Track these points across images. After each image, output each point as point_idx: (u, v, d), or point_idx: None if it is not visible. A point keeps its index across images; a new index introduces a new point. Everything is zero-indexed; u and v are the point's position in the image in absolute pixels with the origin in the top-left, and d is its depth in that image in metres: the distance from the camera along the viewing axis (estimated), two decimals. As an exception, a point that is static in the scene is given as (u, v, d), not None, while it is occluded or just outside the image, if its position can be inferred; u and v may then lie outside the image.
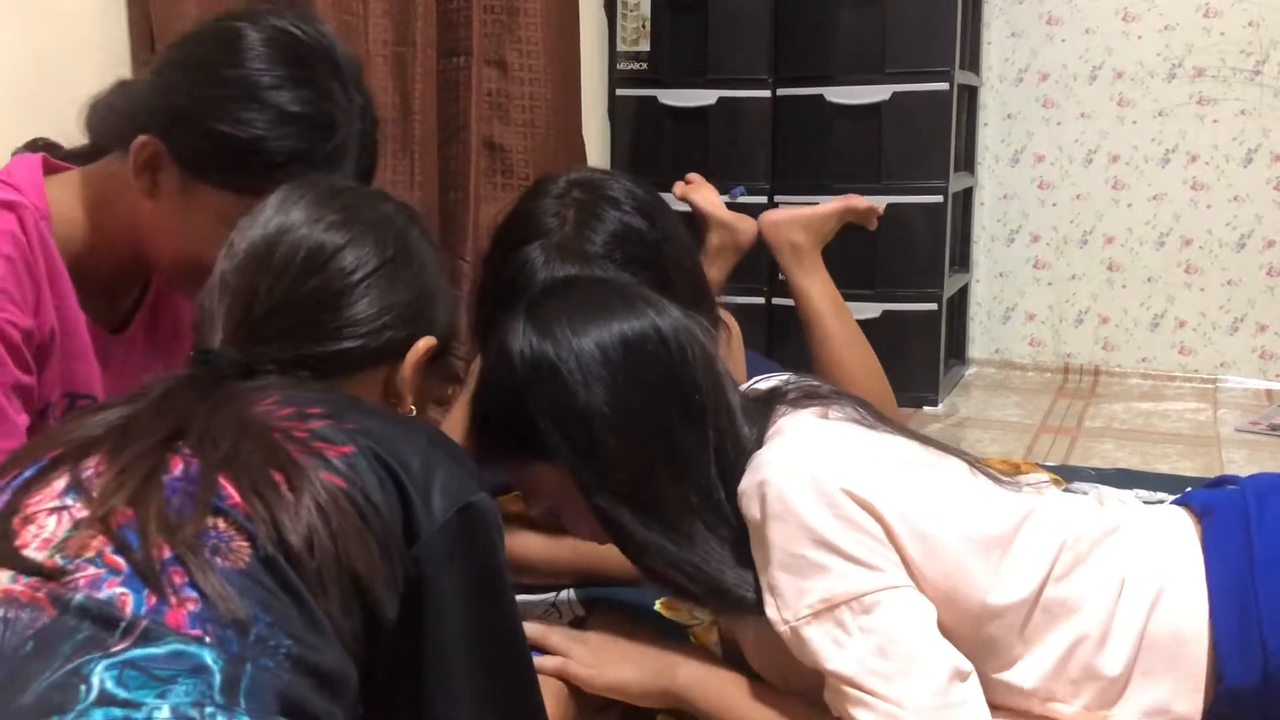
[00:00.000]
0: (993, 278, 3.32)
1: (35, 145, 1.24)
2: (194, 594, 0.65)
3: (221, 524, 0.69)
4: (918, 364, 2.96)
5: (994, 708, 1.06)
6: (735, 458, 1.05)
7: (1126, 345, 3.22)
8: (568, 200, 1.31)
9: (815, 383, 1.16)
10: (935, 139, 2.87)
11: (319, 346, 0.92)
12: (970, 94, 3.18)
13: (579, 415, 1.02)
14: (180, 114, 1.10)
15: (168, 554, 0.66)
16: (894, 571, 1.00)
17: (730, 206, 2.11)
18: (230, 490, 0.71)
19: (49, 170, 1.17)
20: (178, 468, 0.72)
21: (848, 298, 2.92)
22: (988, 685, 1.05)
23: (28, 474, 0.73)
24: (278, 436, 0.77)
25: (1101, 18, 3.11)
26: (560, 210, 1.30)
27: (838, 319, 1.98)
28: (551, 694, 1.08)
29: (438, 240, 1.56)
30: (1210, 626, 1.03)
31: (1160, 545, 1.08)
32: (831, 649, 0.98)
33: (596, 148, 3.03)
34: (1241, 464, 2.42)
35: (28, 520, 0.70)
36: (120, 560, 0.66)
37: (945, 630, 1.02)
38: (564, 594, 1.36)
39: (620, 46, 3.07)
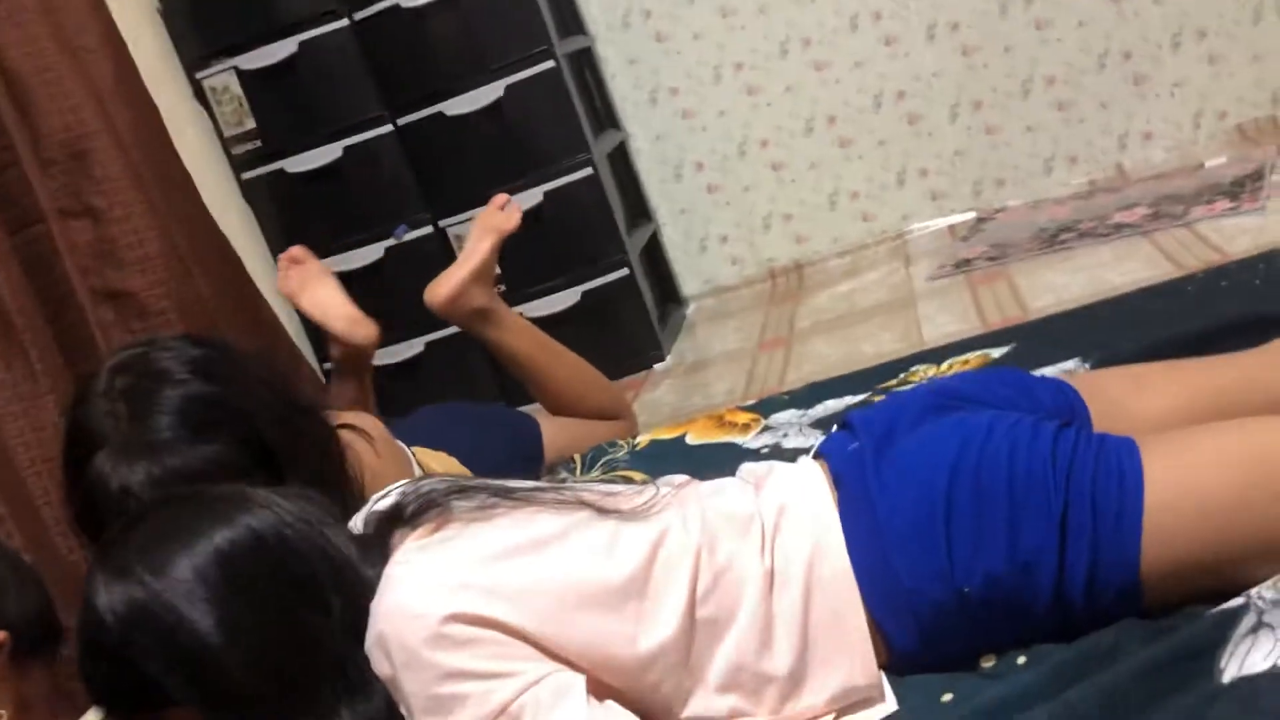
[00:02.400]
0: (676, 216, 3.37)
1: None
2: None
3: None
4: (634, 327, 2.99)
5: (692, 738, 1.08)
6: (363, 612, 1.02)
7: (815, 232, 3.33)
8: (113, 394, 1.23)
9: (431, 484, 1.14)
10: (564, 115, 2.87)
11: None
12: (585, 55, 3.19)
13: (190, 653, 0.97)
14: None
15: None
16: (528, 667, 0.99)
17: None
18: None
19: None
20: None
21: (542, 293, 2.97)
22: (678, 724, 1.06)
23: None
24: None
25: (677, -60, 3.16)
26: (110, 408, 1.22)
27: (549, 355, 1.98)
28: None
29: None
30: (863, 599, 1.06)
31: (800, 526, 1.10)
32: None
33: (245, 235, 2.91)
34: (936, 316, 2.54)
35: None
36: None
37: (613, 690, 1.02)
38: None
39: (228, 132, 2.94)
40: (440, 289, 1.89)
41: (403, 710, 1.00)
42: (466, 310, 1.91)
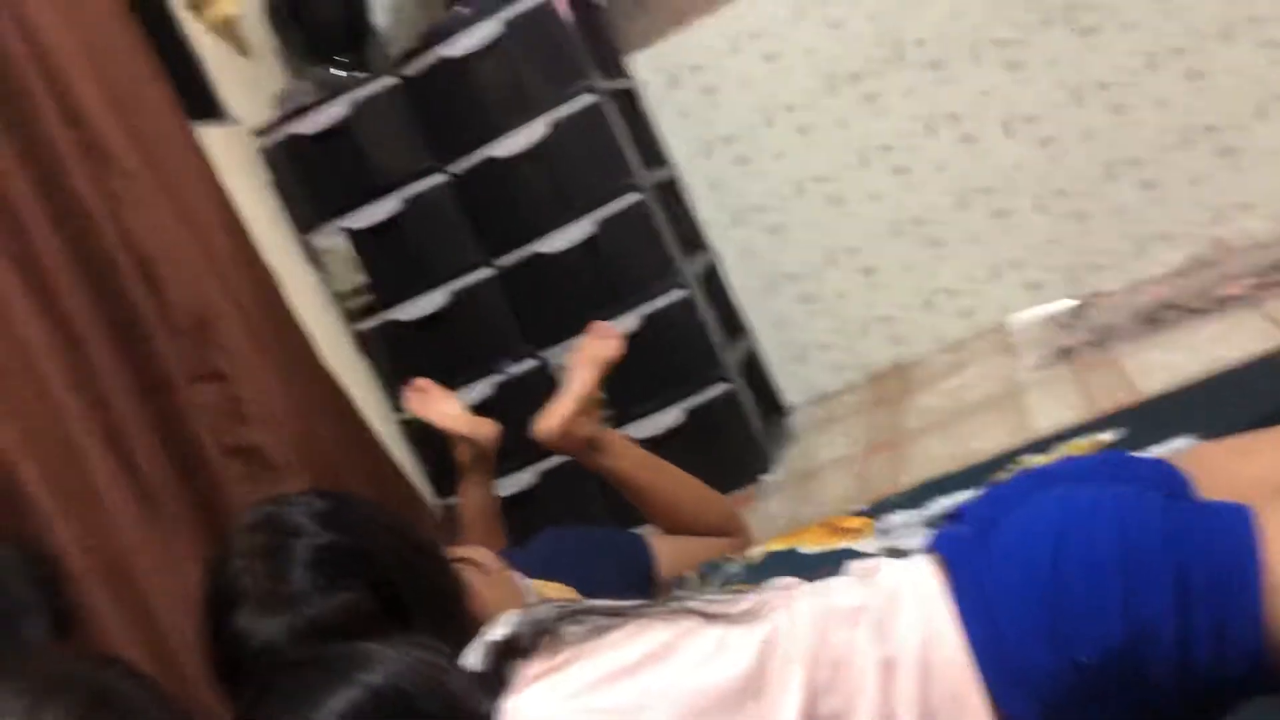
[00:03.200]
0: (771, 329, 3.42)
1: None
2: None
3: None
4: (739, 441, 3.02)
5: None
6: None
7: (914, 333, 3.34)
8: (247, 551, 1.30)
9: (541, 611, 1.17)
10: (653, 243, 2.96)
11: None
12: (669, 185, 3.30)
13: None
14: None
15: None
16: None
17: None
18: None
19: None
20: None
21: (646, 413, 3.01)
22: (804, 827, 1.06)
23: None
24: None
25: (750, 64, 3.27)
26: (246, 565, 1.29)
27: (658, 476, 2.03)
28: None
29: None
30: (979, 678, 1.05)
31: (911, 612, 1.10)
32: None
33: (362, 384, 3.04)
34: (1044, 405, 2.51)
35: None
36: None
37: (742, 799, 1.02)
38: None
39: (340, 289, 3.10)
40: (549, 424, 1.96)
41: None
42: (576, 442, 1.97)
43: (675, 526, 2.07)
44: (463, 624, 1.35)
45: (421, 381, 2.16)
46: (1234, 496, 1.07)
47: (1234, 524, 1.00)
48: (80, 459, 1.98)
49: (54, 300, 2.07)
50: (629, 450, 2.03)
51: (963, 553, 1.11)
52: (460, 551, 1.56)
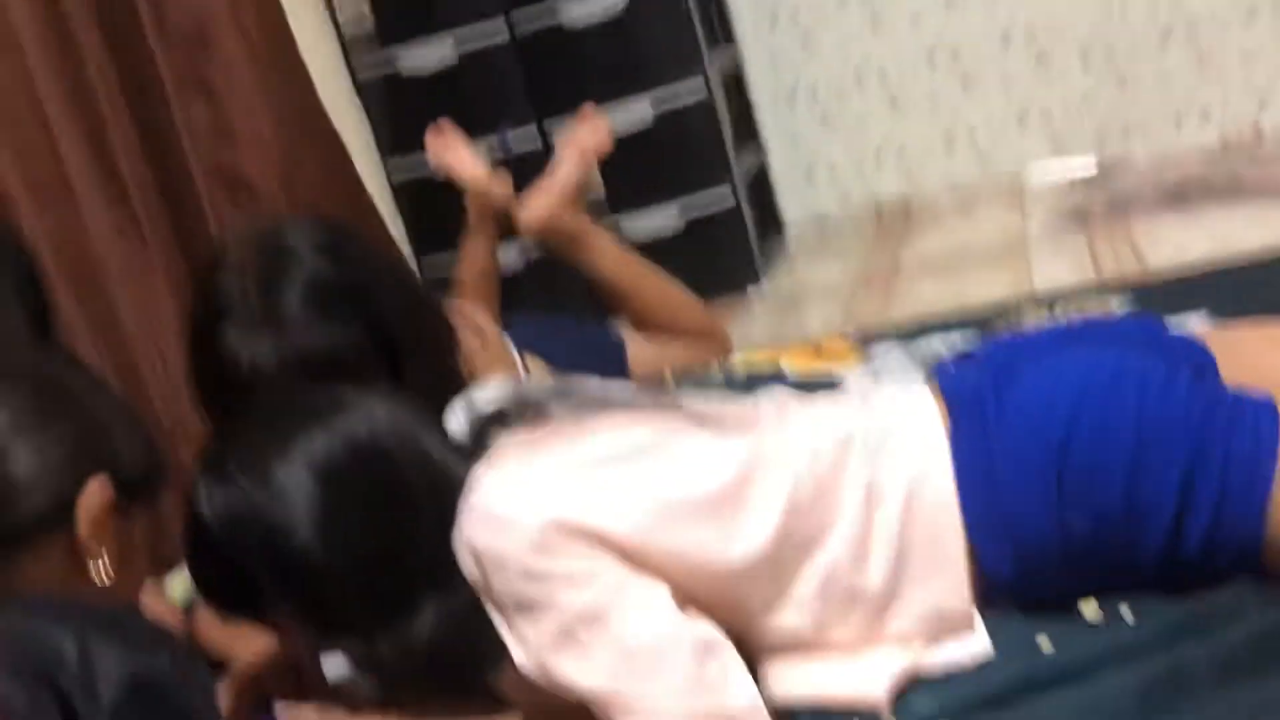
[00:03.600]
0: (785, 142, 3.30)
1: None
2: None
3: None
4: (733, 252, 2.96)
5: (774, 652, 1.07)
6: (452, 513, 1.02)
7: (928, 169, 3.24)
8: (245, 267, 1.24)
9: (531, 387, 1.14)
10: (684, 25, 2.81)
11: None
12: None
13: (284, 558, 0.99)
14: None
15: None
16: (616, 573, 0.98)
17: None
18: None
19: None
20: None
21: (644, 212, 2.93)
22: (760, 637, 1.05)
23: None
24: None
25: None
26: (241, 281, 1.23)
27: (638, 277, 1.96)
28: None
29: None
30: (963, 522, 1.03)
31: (906, 446, 1.07)
32: (581, 674, 0.97)
33: (355, 131, 2.92)
34: (1050, 266, 2.47)
35: None
36: None
37: (698, 600, 1.01)
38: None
39: (346, 30, 2.94)
40: (533, 212, 1.88)
41: (488, 608, 1.01)
42: (558, 232, 1.90)
43: (652, 329, 2.03)
44: (452, 382, 1.31)
45: (445, 124, 2.07)
46: (1259, 384, 1.03)
47: (1259, 417, 0.97)
48: (57, 153, 1.90)
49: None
50: (612, 250, 1.96)
51: (971, 395, 1.07)
52: (459, 309, 1.51)
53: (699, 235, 2.91)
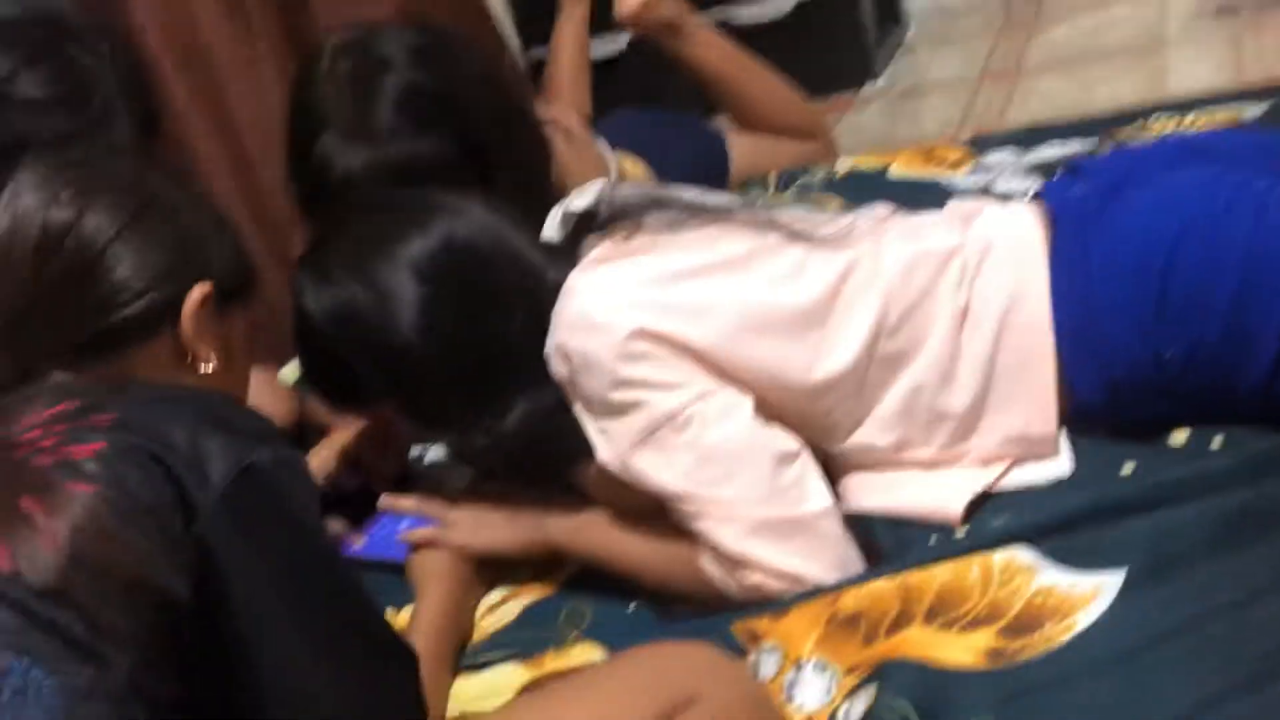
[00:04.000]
0: (911, -78, 3.10)
1: None
2: None
3: None
4: (847, 43, 2.83)
5: (855, 469, 1.08)
6: (545, 314, 1.05)
7: (1065, -45, 3.01)
8: (339, 77, 1.24)
9: (627, 192, 1.14)
10: None
11: (85, 330, 0.91)
12: None
13: (386, 350, 1.04)
14: None
15: None
16: (701, 382, 1.01)
17: None
18: None
19: None
20: None
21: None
22: (841, 454, 1.07)
23: None
24: (24, 454, 0.77)
25: None
26: (336, 92, 1.24)
27: (741, 71, 1.90)
28: (444, 563, 1.13)
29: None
30: (1055, 345, 1.02)
31: (1002, 268, 1.05)
32: (660, 472, 1.00)
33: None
34: (1188, 65, 2.31)
35: None
36: None
37: (779, 413, 1.03)
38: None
39: None
40: (626, 4, 1.81)
41: (575, 407, 1.04)
42: (654, 23, 1.83)
43: (754, 123, 1.98)
44: (545, 189, 1.32)
45: None
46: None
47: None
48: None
49: None
50: (712, 41, 1.89)
51: (1075, 213, 1.04)
52: (550, 112, 1.49)
53: (811, 24, 2.78)
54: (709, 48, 1.85)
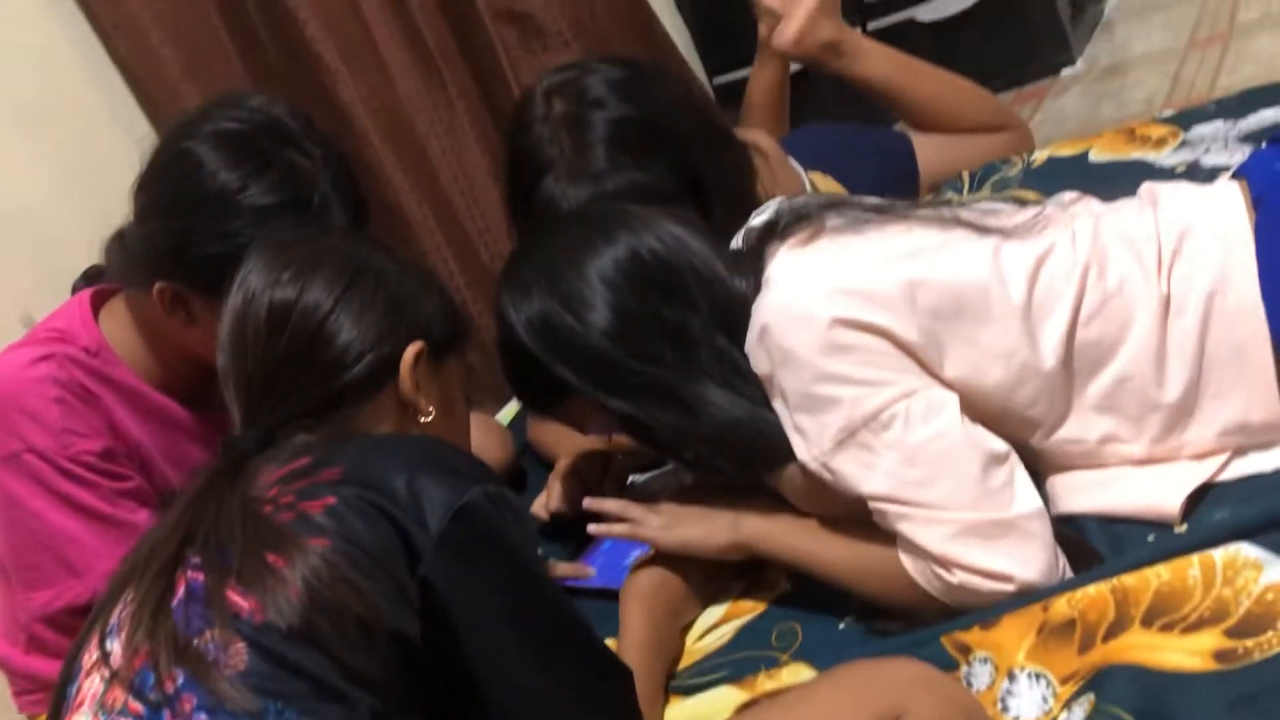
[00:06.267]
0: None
1: (88, 275, 1.37)
2: (203, 716, 0.76)
3: (216, 634, 0.79)
4: (1040, 27, 2.72)
5: (1061, 469, 1.05)
6: (736, 317, 1.08)
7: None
8: (554, 120, 1.31)
9: (805, 199, 1.15)
10: None
11: (317, 393, 1.00)
12: None
13: (585, 353, 1.09)
14: (176, 253, 1.19)
15: (181, 679, 0.77)
16: (904, 379, 1.00)
17: None
18: (235, 597, 0.81)
19: (99, 303, 1.29)
20: (182, 588, 0.83)
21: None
22: (1047, 451, 1.04)
23: (87, 628, 0.87)
24: (268, 511, 0.86)
25: None
26: (553, 135, 1.31)
27: (910, 77, 1.85)
28: (648, 584, 1.16)
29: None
30: (1269, 327, 0.96)
31: (1204, 252, 0.99)
32: (863, 472, 1.00)
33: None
34: None
35: (78, 685, 0.83)
36: (139, 705, 0.78)
37: (981, 411, 1.01)
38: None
39: None
40: (785, 32, 1.78)
41: (775, 404, 1.06)
42: (815, 47, 1.79)
43: (936, 126, 1.92)
44: (752, 208, 1.35)
45: None
46: None
47: None
48: (363, 19, 2.03)
49: None
50: (877, 52, 1.83)
51: (1279, 181, 0.98)
52: (745, 135, 1.52)
53: (1000, 11, 2.70)
54: (875, 60, 1.81)
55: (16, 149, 1.68)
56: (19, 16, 1.73)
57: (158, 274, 1.20)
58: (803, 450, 1.03)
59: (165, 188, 1.22)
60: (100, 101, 1.81)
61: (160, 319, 1.24)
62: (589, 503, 1.23)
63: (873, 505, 1.01)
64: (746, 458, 1.10)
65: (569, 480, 1.42)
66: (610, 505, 1.21)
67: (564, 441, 1.50)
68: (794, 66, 1.99)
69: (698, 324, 1.08)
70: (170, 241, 1.19)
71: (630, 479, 1.43)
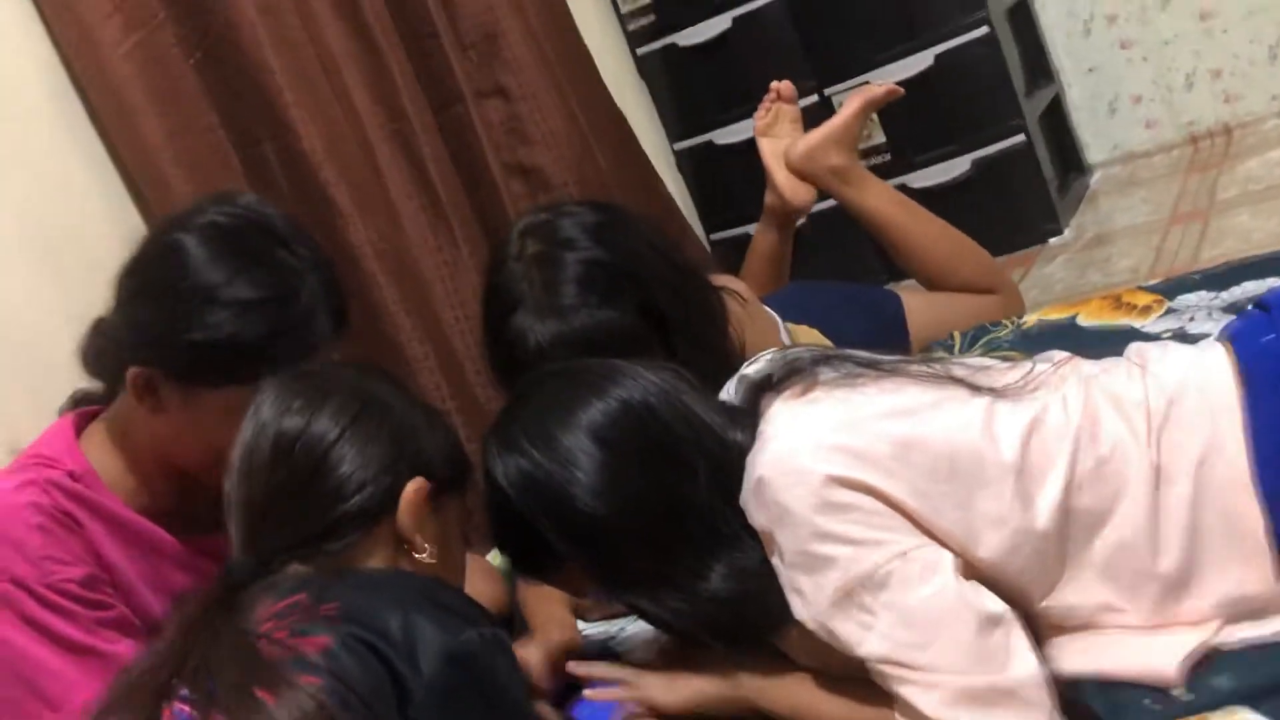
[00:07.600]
0: (1083, 75, 3.11)
1: (75, 399, 1.38)
2: None
3: None
4: (1029, 198, 2.83)
5: (1059, 631, 1.05)
6: (730, 472, 1.07)
7: (1249, 90, 2.95)
8: (526, 259, 1.36)
9: (798, 352, 1.16)
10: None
11: (315, 524, 1.00)
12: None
13: (572, 516, 1.06)
14: (156, 339, 1.20)
15: None
16: (900, 538, 0.99)
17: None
18: None
19: (82, 425, 1.30)
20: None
21: (931, 161, 2.87)
22: (1043, 615, 1.04)
23: None
24: (263, 646, 0.85)
25: None
26: (525, 273, 1.36)
27: (909, 217, 1.92)
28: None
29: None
30: (1262, 501, 0.97)
31: (1193, 420, 1.01)
32: (860, 634, 0.99)
33: (640, 110, 3.03)
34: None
35: None
36: None
37: (978, 572, 1.01)
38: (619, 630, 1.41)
39: (624, 9, 3.04)
40: (800, 149, 1.89)
41: (773, 560, 1.04)
42: (824, 169, 1.90)
43: (929, 275, 1.97)
44: (723, 350, 1.38)
45: (785, 88, 1.99)
46: None
47: None
48: (376, 166, 2.10)
49: (355, 9, 2.13)
50: (881, 187, 1.93)
51: (1268, 359, 1.00)
52: (720, 280, 1.57)
53: (991, 183, 2.81)
54: (879, 194, 1.89)
55: (25, 276, 1.71)
56: (38, 147, 1.77)
57: (134, 358, 1.20)
58: (801, 610, 1.02)
59: (150, 275, 1.22)
60: (112, 230, 1.84)
61: (134, 424, 1.24)
62: (577, 668, 1.22)
63: (871, 666, 1.00)
64: (741, 634, 1.09)
65: (559, 658, 1.35)
66: (600, 671, 1.19)
67: (538, 612, 1.46)
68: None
69: (694, 482, 1.07)
70: (150, 327, 1.19)
71: (610, 631, 1.42)
